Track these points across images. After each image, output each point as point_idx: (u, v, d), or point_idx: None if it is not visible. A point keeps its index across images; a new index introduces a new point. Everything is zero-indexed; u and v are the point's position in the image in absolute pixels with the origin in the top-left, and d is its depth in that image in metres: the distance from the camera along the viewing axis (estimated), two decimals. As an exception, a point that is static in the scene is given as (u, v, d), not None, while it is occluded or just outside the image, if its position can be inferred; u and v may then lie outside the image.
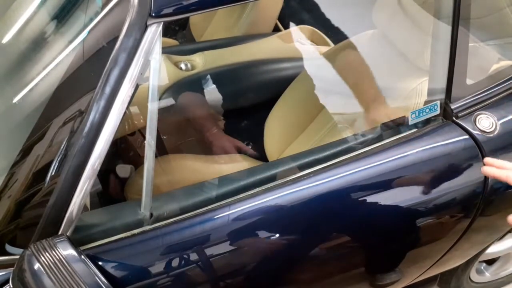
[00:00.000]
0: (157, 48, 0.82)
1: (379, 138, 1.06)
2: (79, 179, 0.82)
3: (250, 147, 1.55)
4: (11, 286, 0.79)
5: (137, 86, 0.82)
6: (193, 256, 0.91)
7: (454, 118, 1.07)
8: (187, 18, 2.00)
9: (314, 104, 1.40)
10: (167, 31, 2.04)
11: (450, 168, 1.04)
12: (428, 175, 1.03)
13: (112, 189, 1.30)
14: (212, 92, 1.63)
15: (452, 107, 1.07)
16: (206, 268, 0.92)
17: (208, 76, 1.64)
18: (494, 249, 1.45)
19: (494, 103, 1.10)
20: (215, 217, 0.93)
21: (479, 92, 1.09)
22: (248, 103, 1.66)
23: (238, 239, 0.93)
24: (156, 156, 0.91)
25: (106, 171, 1.31)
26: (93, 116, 0.80)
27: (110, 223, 0.93)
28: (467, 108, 1.08)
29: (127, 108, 0.82)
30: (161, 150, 1.47)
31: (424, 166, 1.03)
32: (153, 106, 0.87)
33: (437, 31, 1.07)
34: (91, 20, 0.96)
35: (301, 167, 1.01)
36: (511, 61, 1.16)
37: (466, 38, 1.03)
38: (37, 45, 1.11)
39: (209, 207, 0.94)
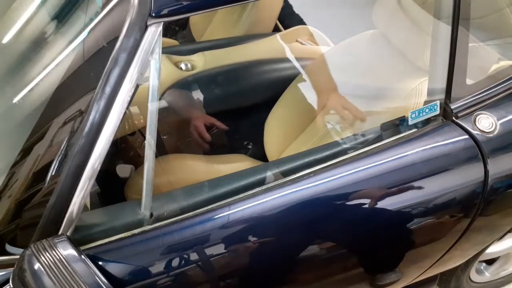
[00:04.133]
0: (157, 48, 0.82)
1: (379, 138, 1.06)
2: (79, 179, 0.82)
3: (250, 147, 1.55)
4: (11, 286, 0.79)
5: (137, 86, 0.82)
6: (193, 256, 0.91)
7: (454, 118, 1.07)
8: (187, 18, 2.00)
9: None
10: (167, 31, 2.04)
11: (450, 168, 1.04)
12: (428, 175, 1.03)
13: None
14: (212, 92, 1.63)
15: (452, 107, 1.07)
16: (206, 268, 0.92)
17: (208, 76, 1.64)
18: (494, 249, 1.45)
19: (494, 103, 1.10)
20: (215, 217, 0.93)
21: (479, 92, 1.09)
22: (248, 103, 1.66)
23: (238, 239, 0.93)
24: (156, 156, 0.91)
25: (106, 171, 1.31)
26: (93, 116, 0.80)
27: (110, 223, 0.93)
28: (467, 108, 1.08)
29: (127, 108, 0.82)
30: (161, 150, 1.47)
31: (424, 166, 1.03)
32: (153, 106, 0.87)
33: (437, 31, 1.07)
34: (91, 20, 0.96)
35: (301, 167, 1.01)
36: (511, 61, 1.16)
37: (466, 38, 1.03)
38: (37, 45, 1.11)
39: (209, 207, 0.94)
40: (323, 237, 1.01)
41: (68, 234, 0.84)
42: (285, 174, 1.00)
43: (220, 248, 0.92)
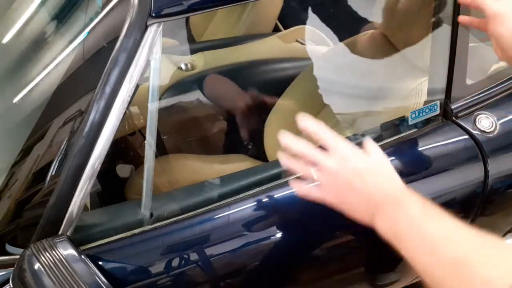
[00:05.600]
0: (157, 48, 0.82)
1: (379, 138, 1.06)
2: (79, 179, 0.82)
3: (250, 147, 1.55)
4: (11, 286, 0.79)
5: (137, 86, 0.82)
6: (193, 256, 0.91)
7: (454, 118, 1.07)
8: (187, 18, 2.00)
9: (314, 104, 1.40)
10: (167, 31, 2.04)
11: (450, 168, 1.04)
12: (428, 175, 1.03)
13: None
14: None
15: (452, 107, 1.07)
16: (206, 268, 0.92)
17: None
18: (494, 249, 1.45)
19: (494, 103, 1.10)
20: (215, 217, 0.93)
21: (479, 92, 1.09)
22: (248, 103, 1.66)
23: (238, 239, 0.93)
24: (156, 156, 0.91)
25: (106, 171, 1.31)
26: (93, 116, 0.80)
27: (110, 223, 0.93)
28: (467, 108, 1.08)
29: (127, 108, 0.82)
30: (161, 150, 1.47)
31: (424, 166, 1.03)
32: (153, 106, 0.87)
33: (437, 31, 1.07)
34: (91, 20, 0.96)
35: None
36: (511, 61, 1.16)
37: (466, 38, 1.03)
38: (37, 45, 1.11)
39: (209, 207, 0.94)
40: (323, 237, 1.01)
41: (68, 234, 0.84)
42: (285, 174, 1.00)
43: (220, 248, 0.92)
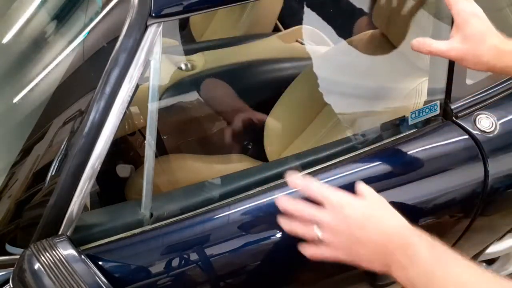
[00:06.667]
0: (157, 48, 0.82)
1: (379, 138, 1.06)
2: (79, 179, 0.82)
3: (250, 147, 1.55)
4: (11, 286, 0.79)
5: (137, 86, 0.82)
6: (193, 256, 0.91)
7: (454, 118, 1.07)
8: (187, 18, 2.00)
9: (314, 104, 1.40)
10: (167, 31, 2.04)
11: (450, 168, 1.04)
12: (428, 175, 1.03)
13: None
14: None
15: (452, 107, 1.07)
16: (206, 268, 0.92)
17: (208, 76, 1.64)
18: (494, 249, 1.45)
19: (494, 103, 1.10)
20: (215, 217, 0.93)
21: (479, 92, 1.09)
22: (248, 103, 1.66)
23: (238, 239, 0.93)
24: (156, 156, 0.91)
25: (106, 171, 1.31)
26: (93, 116, 0.80)
27: (110, 223, 0.93)
28: (467, 108, 1.08)
29: (127, 108, 0.82)
30: (161, 150, 1.47)
31: (424, 166, 1.03)
32: (153, 106, 0.87)
33: (437, 31, 1.07)
34: (91, 20, 0.96)
35: (301, 167, 1.01)
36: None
37: (466, 38, 1.03)
38: (37, 45, 1.11)
39: (209, 207, 0.94)
40: (323, 237, 1.01)
41: (68, 234, 0.84)
42: (285, 174, 1.00)
43: (220, 248, 0.92)
